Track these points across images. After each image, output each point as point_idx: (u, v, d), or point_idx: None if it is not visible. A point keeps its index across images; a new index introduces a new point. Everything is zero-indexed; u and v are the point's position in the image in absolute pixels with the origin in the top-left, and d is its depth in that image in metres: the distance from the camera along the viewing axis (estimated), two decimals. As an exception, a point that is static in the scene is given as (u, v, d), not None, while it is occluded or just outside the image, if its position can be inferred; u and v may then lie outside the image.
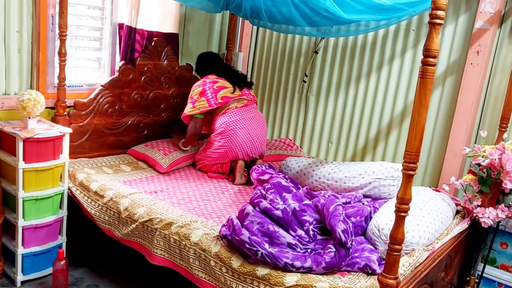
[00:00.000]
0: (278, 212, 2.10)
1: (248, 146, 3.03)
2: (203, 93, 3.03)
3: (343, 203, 2.32)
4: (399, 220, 1.62)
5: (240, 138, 3.00)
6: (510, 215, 2.38)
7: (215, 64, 3.25)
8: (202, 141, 3.30)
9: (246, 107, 3.09)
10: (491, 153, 2.29)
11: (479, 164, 2.39)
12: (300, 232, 2.09)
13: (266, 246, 1.92)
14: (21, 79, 2.72)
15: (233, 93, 3.09)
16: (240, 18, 3.78)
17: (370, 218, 2.23)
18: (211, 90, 3.04)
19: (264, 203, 2.14)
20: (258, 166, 2.80)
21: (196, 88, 3.08)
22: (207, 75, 3.17)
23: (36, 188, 2.51)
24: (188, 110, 3.07)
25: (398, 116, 3.17)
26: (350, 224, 2.02)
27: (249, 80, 3.32)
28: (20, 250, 2.52)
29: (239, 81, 3.18)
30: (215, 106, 3.03)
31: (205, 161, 3.09)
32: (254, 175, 2.77)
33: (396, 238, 1.63)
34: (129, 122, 3.23)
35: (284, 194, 2.25)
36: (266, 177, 2.65)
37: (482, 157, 2.35)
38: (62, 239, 2.72)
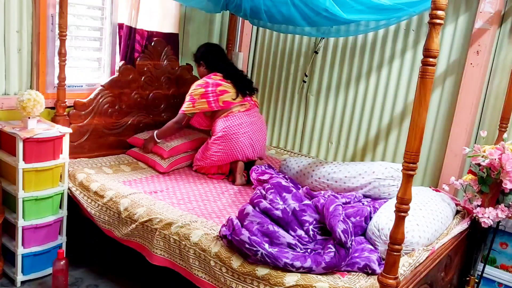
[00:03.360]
0: (278, 212, 2.10)
1: (249, 150, 3.01)
2: (205, 95, 2.98)
3: (343, 203, 2.32)
4: (399, 220, 1.62)
5: (242, 143, 2.98)
6: (510, 215, 2.38)
7: (223, 61, 3.18)
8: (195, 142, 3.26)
9: (248, 111, 3.06)
10: (491, 153, 2.29)
11: (479, 164, 2.39)
12: (300, 232, 2.09)
13: (266, 246, 1.92)
14: (21, 79, 2.72)
15: (234, 99, 3.03)
16: (240, 18, 3.78)
17: (370, 218, 2.23)
18: (213, 94, 2.97)
19: (264, 203, 2.14)
20: (257, 166, 2.80)
21: (198, 89, 3.01)
22: (213, 72, 3.09)
23: (36, 188, 2.51)
24: (186, 108, 3.02)
25: (398, 116, 3.17)
26: (350, 224, 2.02)
27: (254, 85, 3.24)
28: (20, 250, 2.52)
29: (244, 88, 3.10)
30: (216, 109, 3.02)
31: (203, 163, 3.05)
32: (253, 175, 2.76)
33: (396, 238, 1.63)
34: (129, 122, 3.23)
35: (284, 194, 2.25)
36: (266, 177, 2.64)
37: (482, 157, 2.35)
38: (62, 239, 2.72)
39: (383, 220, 2.08)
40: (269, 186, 2.30)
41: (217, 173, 3.06)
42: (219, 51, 3.25)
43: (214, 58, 3.16)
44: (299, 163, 2.88)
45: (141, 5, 3.11)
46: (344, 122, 3.44)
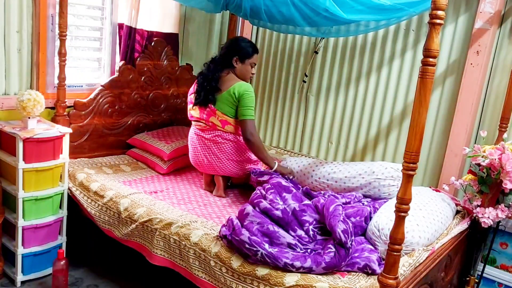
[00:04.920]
0: (278, 213, 2.10)
1: None
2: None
3: (343, 203, 2.32)
4: (399, 220, 1.62)
5: None
6: (510, 215, 2.38)
7: None
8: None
9: None
10: (491, 153, 2.29)
11: (479, 164, 2.39)
12: (300, 232, 2.09)
13: (266, 246, 1.92)
14: (21, 79, 2.72)
15: None
16: (240, 18, 3.78)
17: (370, 218, 2.23)
18: None
19: (264, 203, 2.14)
20: (255, 169, 2.79)
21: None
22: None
23: (36, 188, 2.51)
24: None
25: (398, 116, 3.17)
26: (350, 224, 2.02)
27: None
28: (20, 250, 2.52)
29: None
30: None
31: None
32: (252, 177, 2.76)
33: (396, 238, 1.63)
34: (129, 122, 3.23)
35: (284, 194, 2.25)
36: (265, 178, 2.65)
37: (482, 157, 2.35)
38: (62, 239, 2.72)
39: (383, 220, 2.08)
40: (269, 186, 2.30)
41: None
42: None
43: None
44: (299, 163, 2.88)
45: (141, 5, 3.11)
46: (344, 122, 3.44)
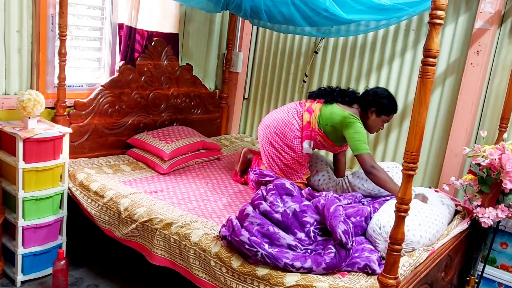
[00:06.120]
0: (278, 216, 2.09)
1: None
2: None
3: (343, 204, 2.32)
4: (399, 220, 1.62)
5: None
6: (510, 215, 2.38)
7: None
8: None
9: None
10: (491, 153, 2.29)
11: (479, 164, 2.39)
12: (301, 235, 2.08)
13: (266, 246, 1.92)
14: (21, 79, 2.72)
15: None
16: (240, 18, 3.78)
17: (370, 218, 2.23)
18: None
19: (264, 206, 2.12)
20: (256, 168, 2.78)
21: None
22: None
23: (36, 188, 2.51)
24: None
25: (398, 116, 3.17)
26: (351, 225, 2.02)
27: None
28: (20, 250, 2.52)
29: None
30: None
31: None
32: (252, 176, 2.75)
33: (396, 238, 1.63)
34: (129, 122, 3.23)
35: (285, 196, 2.24)
36: (267, 179, 2.64)
37: (482, 157, 2.35)
38: (62, 239, 2.72)
39: (384, 218, 2.08)
40: (271, 187, 2.28)
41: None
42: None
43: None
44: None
45: (141, 5, 3.11)
46: (344, 122, 3.43)
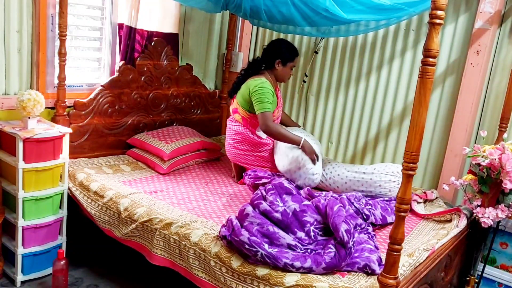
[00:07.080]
0: (278, 215, 2.09)
1: None
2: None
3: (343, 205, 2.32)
4: (399, 220, 1.62)
5: None
6: (510, 215, 2.38)
7: None
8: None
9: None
10: (491, 153, 2.29)
11: (479, 164, 2.39)
12: (300, 234, 2.07)
13: (266, 246, 1.92)
14: (21, 79, 2.72)
15: None
16: (240, 18, 3.78)
17: (369, 217, 2.24)
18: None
19: (264, 205, 2.12)
20: (251, 171, 2.78)
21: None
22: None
23: (36, 188, 2.51)
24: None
25: (398, 116, 3.17)
26: (352, 226, 2.03)
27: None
28: (20, 250, 2.52)
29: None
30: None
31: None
32: (247, 180, 2.73)
33: (396, 238, 1.63)
34: (129, 122, 3.23)
35: (284, 195, 2.24)
36: (263, 181, 2.64)
37: (482, 157, 2.35)
38: (62, 239, 2.72)
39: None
40: (270, 186, 2.28)
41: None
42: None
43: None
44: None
45: (141, 5, 3.11)
46: (344, 122, 3.44)
